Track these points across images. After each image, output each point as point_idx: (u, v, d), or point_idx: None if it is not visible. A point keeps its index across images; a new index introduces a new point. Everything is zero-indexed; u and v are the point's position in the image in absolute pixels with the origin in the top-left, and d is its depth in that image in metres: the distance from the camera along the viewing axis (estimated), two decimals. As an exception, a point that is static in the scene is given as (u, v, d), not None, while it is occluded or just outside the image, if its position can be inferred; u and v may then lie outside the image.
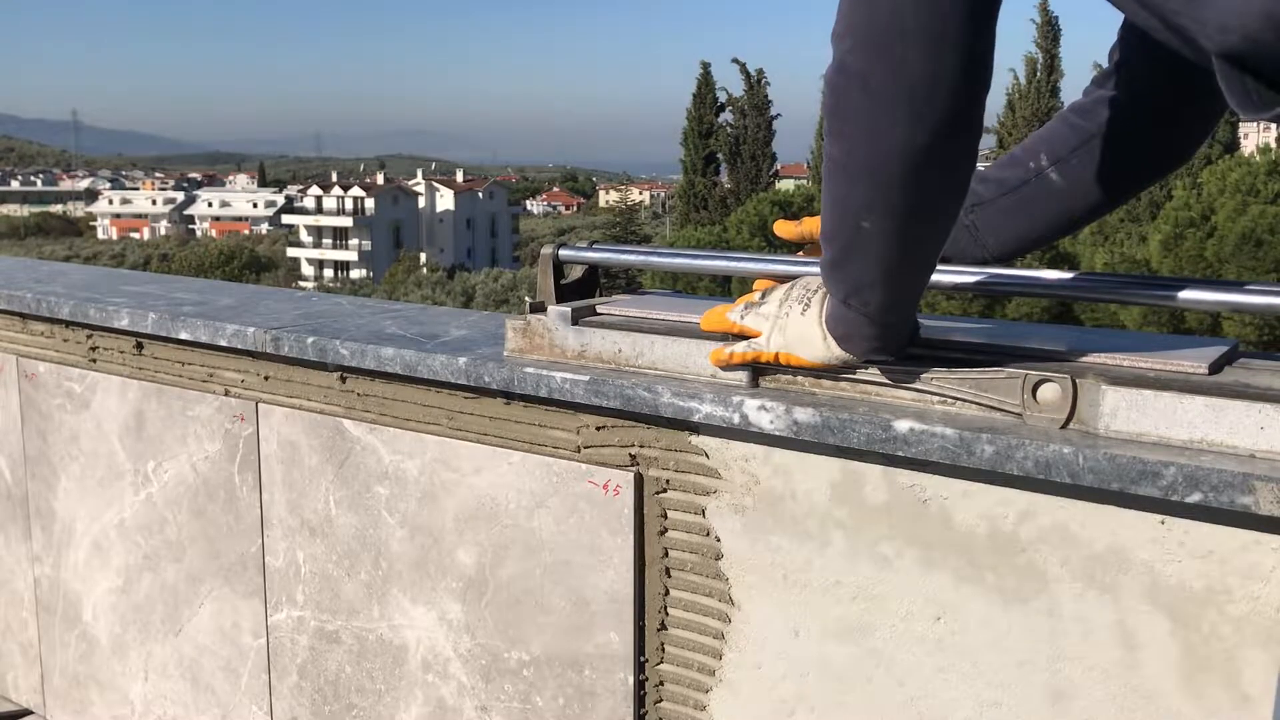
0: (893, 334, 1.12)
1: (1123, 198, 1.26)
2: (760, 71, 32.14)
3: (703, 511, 1.34)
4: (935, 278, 1.23)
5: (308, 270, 66.74)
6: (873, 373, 1.19)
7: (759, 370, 1.27)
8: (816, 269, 1.28)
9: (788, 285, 1.24)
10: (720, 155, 32.19)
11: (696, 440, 1.33)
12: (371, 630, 1.68)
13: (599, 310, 1.47)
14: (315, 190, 74.08)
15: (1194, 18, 0.81)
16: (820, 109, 0.99)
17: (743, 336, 1.26)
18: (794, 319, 1.19)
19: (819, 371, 1.22)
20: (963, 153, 0.96)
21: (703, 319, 1.31)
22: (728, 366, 1.27)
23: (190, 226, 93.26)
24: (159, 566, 1.95)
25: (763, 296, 1.26)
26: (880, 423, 1.14)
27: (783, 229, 1.36)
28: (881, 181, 0.96)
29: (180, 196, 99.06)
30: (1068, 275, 1.17)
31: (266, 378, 1.76)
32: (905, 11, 0.88)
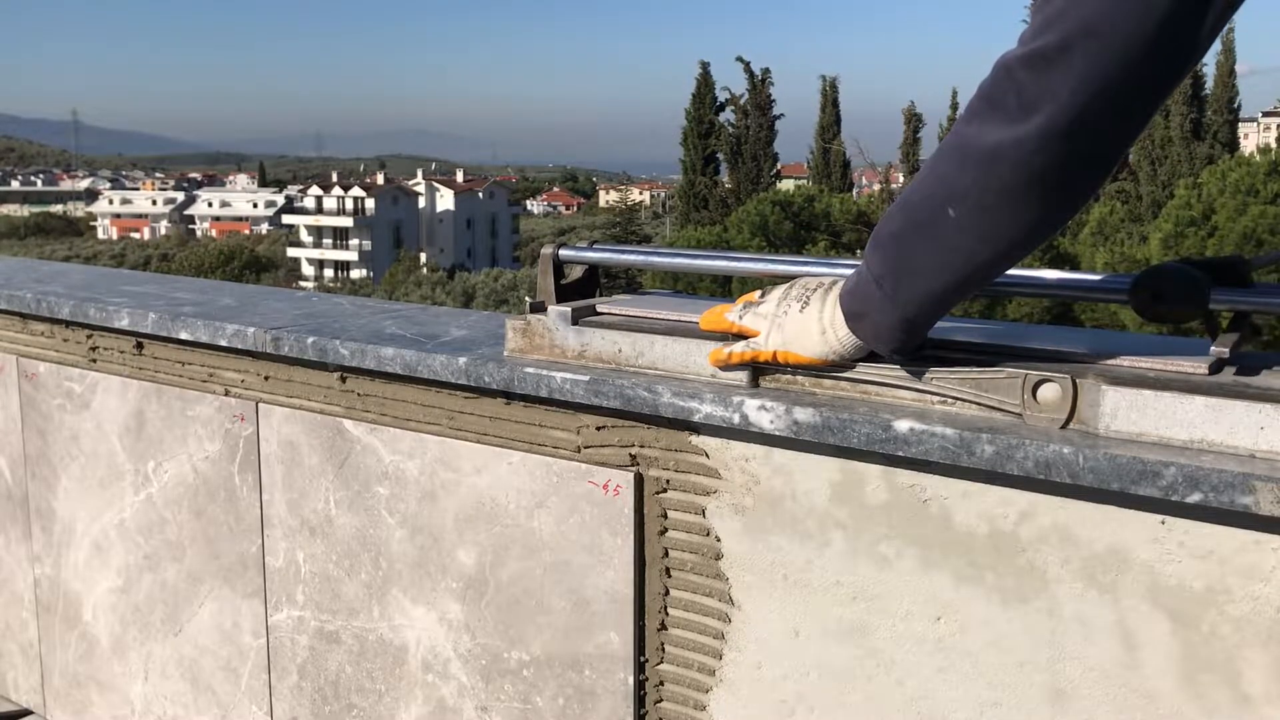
0: (908, 333, 1.10)
1: None
2: (766, 71, 32.15)
3: (703, 511, 1.34)
4: None
5: (308, 270, 66.74)
6: (873, 373, 1.19)
7: (759, 370, 1.27)
8: (818, 269, 1.29)
9: (787, 285, 1.24)
10: (721, 155, 32.19)
11: (696, 440, 1.33)
12: (371, 630, 1.68)
13: (599, 310, 1.47)
14: (315, 190, 74.09)
15: None
16: (979, 85, 0.99)
17: (742, 336, 1.26)
18: (792, 316, 1.19)
19: (819, 371, 1.22)
20: (1090, 186, 0.95)
21: (702, 319, 1.31)
22: (726, 366, 1.27)
23: (190, 226, 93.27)
24: (159, 566, 1.95)
25: (762, 295, 1.26)
26: (880, 423, 1.14)
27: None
28: (992, 183, 0.94)
29: (180, 196, 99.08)
30: (1068, 275, 1.17)
31: (266, 378, 1.76)
32: (1121, 90, 0.87)
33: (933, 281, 1.03)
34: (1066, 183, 0.93)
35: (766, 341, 1.22)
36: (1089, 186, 0.94)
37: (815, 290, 1.19)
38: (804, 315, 1.18)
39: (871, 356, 1.18)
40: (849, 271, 1.19)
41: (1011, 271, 1.25)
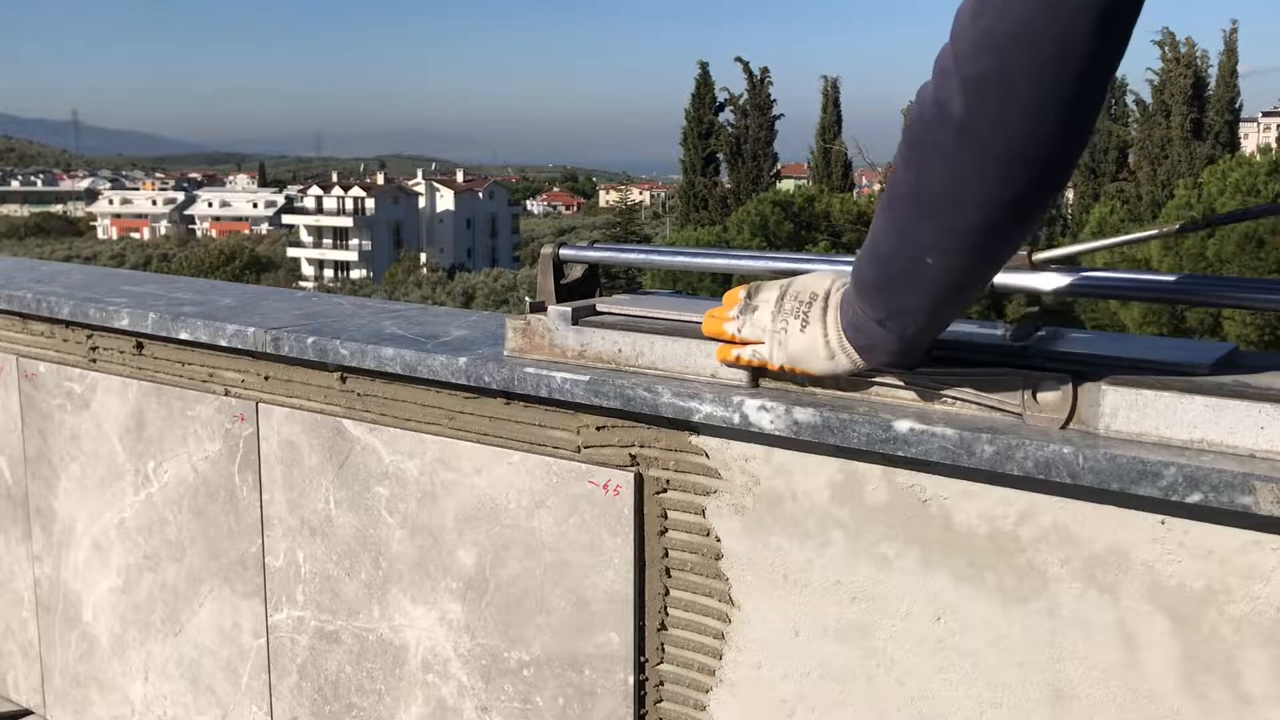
0: (916, 352, 1.12)
1: None
2: (765, 70, 32.15)
3: (703, 511, 1.34)
4: None
5: (308, 270, 66.74)
6: (873, 373, 1.19)
7: (759, 370, 1.27)
8: (818, 267, 1.28)
9: (776, 290, 1.21)
10: (720, 155, 32.19)
11: (696, 440, 1.33)
12: (372, 630, 1.68)
13: (599, 310, 1.47)
14: (315, 190, 74.10)
15: None
16: (902, 128, 0.95)
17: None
18: (793, 335, 1.17)
19: (824, 379, 1.22)
20: (1046, 205, 0.93)
21: (704, 322, 1.30)
22: (734, 366, 1.27)
23: (190, 226, 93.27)
24: (159, 566, 1.95)
25: (749, 297, 1.23)
26: (880, 423, 1.14)
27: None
28: (958, 226, 0.91)
29: (180, 196, 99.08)
30: (1070, 275, 1.17)
31: (266, 378, 1.76)
32: (1016, 71, 0.82)
33: (934, 316, 1.03)
34: (1029, 191, 0.89)
35: (772, 356, 1.20)
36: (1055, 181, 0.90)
37: (810, 306, 1.15)
38: (806, 335, 1.16)
39: None
40: (845, 269, 1.19)
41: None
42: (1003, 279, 1.20)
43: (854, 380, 1.21)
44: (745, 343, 1.24)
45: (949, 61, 0.86)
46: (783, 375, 1.24)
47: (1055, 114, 0.84)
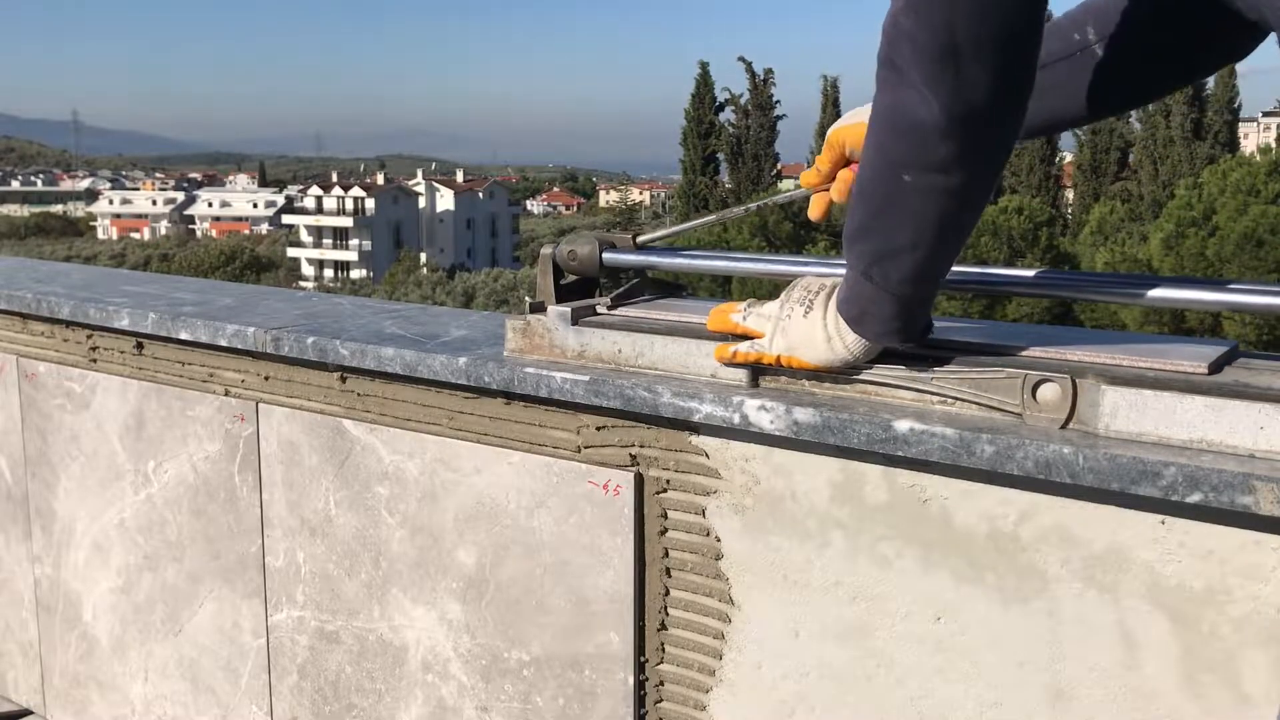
0: (909, 316, 1.10)
1: (1150, 93, 1.22)
2: (769, 71, 32.14)
3: (703, 511, 1.34)
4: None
5: (308, 270, 66.75)
6: (873, 373, 1.19)
7: (759, 370, 1.27)
8: (818, 269, 1.28)
9: (789, 286, 1.24)
10: (721, 155, 32.18)
11: (696, 440, 1.33)
12: (372, 630, 1.68)
13: (599, 310, 1.47)
14: (315, 190, 74.08)
15: None
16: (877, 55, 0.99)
17: (747, 337, 1.26)
18: (796, 321, 1.18)
19: (820, 372, 1.22)
20: (1009, 111, 0.95)
21: (709, 317, 1.30)
22: (730, 364, 1.27)
23: (190, 226, 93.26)
24: (159, 566, 1.95)
25: (758, 299, 1.26)
26: (880, 423, 1.14)
27: (807, 178, 1.28)
28: (926, 135, 0.95)
29: (180, 197, 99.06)
30: (1068, 275, 1.18)
31: (266, 378, 1.76)
32: None
33: (918, 253, 1.03)
34: (992, 118, 0.94)
35: (770, 345, 1.21)
36: (1015, 106, 0.96)
37: (818, 294, 1.18)
38: (808, 321, 1.17)
39: (882, 356, 1.18)
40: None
41: (1012, 271, 1.26)
42: (612, 257, 1.42)
43: (851, 376, 1.21)
44: (746, 335, 1.25)
45: None
46: (779, 370, 1.24)
47: (994, 8, 0.90)
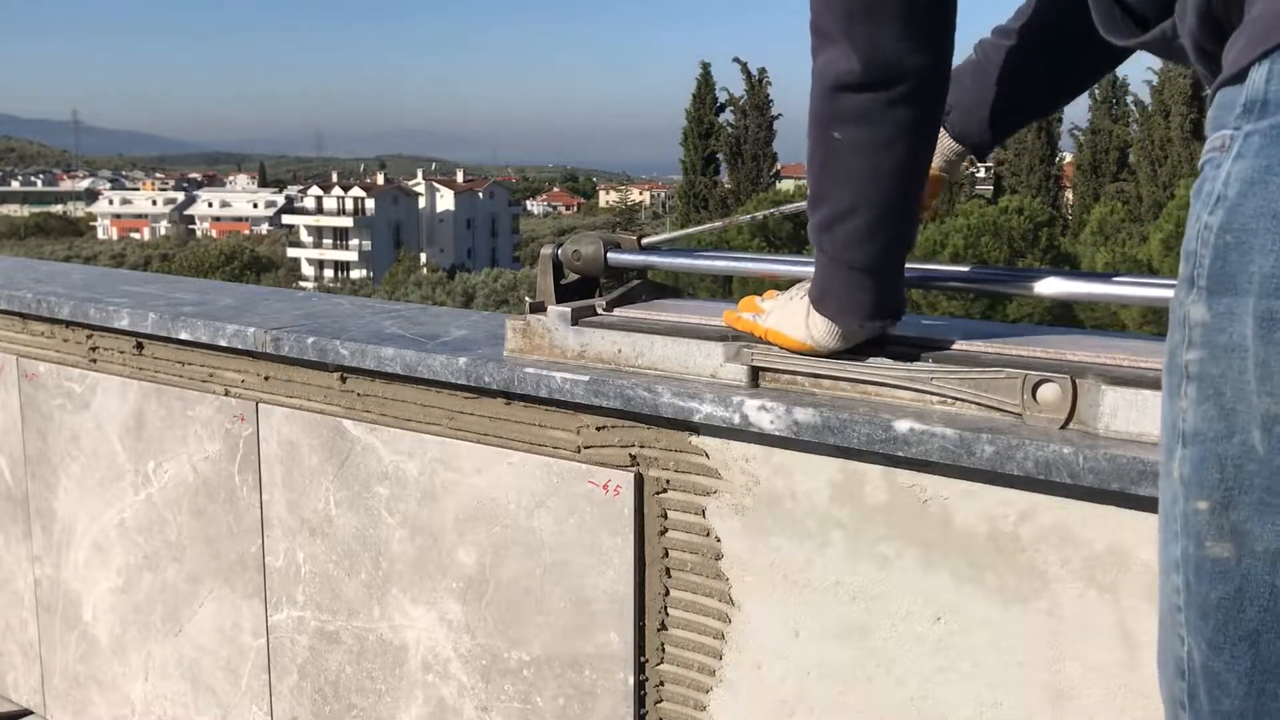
0: (867, 292, 1.13)
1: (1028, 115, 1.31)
2: (763, 71, 32.14)
3: (703, 512, 1.34)
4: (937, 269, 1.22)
5: (308, 270, 66.73)
6: (873, 373, 1.19)
7: (758, 370, 1.27)
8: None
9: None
10: (721, 155, 32.18)
11: (696, 440, 1.33)
12: (372, 630, 1.68)
13: (599, 310, 1.47)
14: (315, 190, 74.06)
15: None
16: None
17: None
18: (786, 304, 1.23)
19: (818, 370, 1.22)
20: (923, 63, 1.02)
21: (741, 301, 1.33)
22: (730, 326, 1.30)
23: (190, 227, 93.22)
24: (159, 566, 1.95)
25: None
26: (880, 423, 1.14)
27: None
28: (849, 89, 1.02)
29: (180, 197, 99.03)
30: (1068, 275, 1.18)
31: (266, 378, 1.76)
32: None
33: (858, 216, 1.07)
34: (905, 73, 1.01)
35: (765, 320, 1.25)
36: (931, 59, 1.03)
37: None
38: (794, 305, 1.22)
39: (882, 355, 1.19)
40: None
41: (1011, 271, 1.26)
42: (616, 257, 1.45)
43: (852, 376, 1.21)
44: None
45: None
46: (768, 348, 1.26)
47: None
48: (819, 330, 1.18)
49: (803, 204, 1.18)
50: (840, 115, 1.04)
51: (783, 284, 1.29)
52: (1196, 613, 0.71)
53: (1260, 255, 0.66)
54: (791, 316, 1.22)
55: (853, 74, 1.01)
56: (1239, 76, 0.70)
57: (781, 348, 1.24)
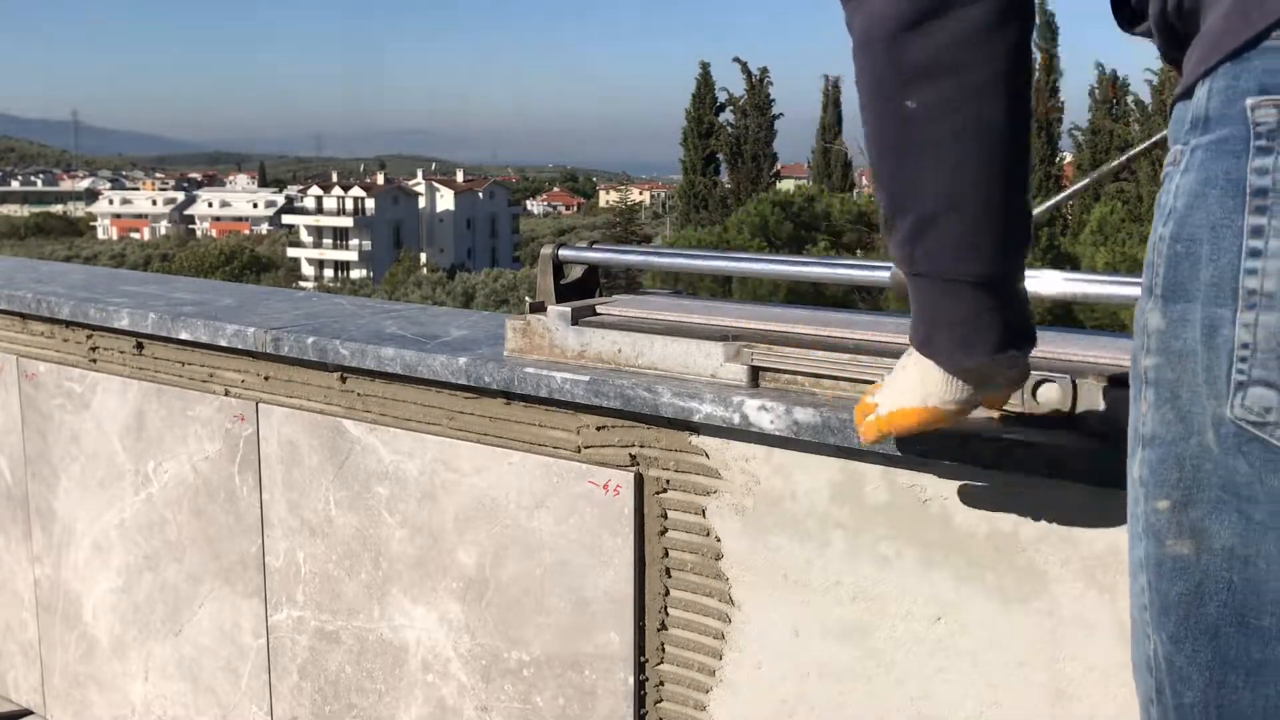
0: (995, 309, 0.85)
1: None
2: (764, 70, 32.12)
3: (703, 511, 1.34)
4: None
5: (308, 270, 66.71)
6: (873, 373, 1.19)
7: (757, 369, 1.27)
8: (819, 270, 1.28)
9: None
10: (721, 155, 32.17)
11: (696, 440, 1.33)
12: (372, 630, 1.68)
13: (599, 310, 1.47)
14: (315, 190, 74.04)
15: None
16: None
17: None
18: (900, 371, 0.96)
19: (819, 370, 1.22)
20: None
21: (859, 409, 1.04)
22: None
23: (190, 226, 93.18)
24: (159, 566, 1.95)
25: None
26: (880, 423, 1.14)
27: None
28: (906, 32, 0.78)
29: (180, 196, 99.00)
30: (1068, 275, 1.17)
31: (267, 378, 1.76)
32: None
33: (965, 207, 0.81)
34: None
35: (880, 408, 0.98)
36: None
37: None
38: (901, 370, 0.97)
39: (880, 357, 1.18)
40: (864, 272, 1.19)
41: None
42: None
43: (851, 376, 1.21)
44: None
45: None
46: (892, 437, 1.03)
47: None
48: (935, 384, 0.91)
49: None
50: (912, 70, 0.78)
51: (782, 284, 1.28)
52: (1159, 610, 0.74)
53: (1205, 265, 0.68)
54: (902, 384, 0.95)
55: (909, 13, 0.77)
56: (1188, 93, 0.72)
57: (913, 431, 0.96)
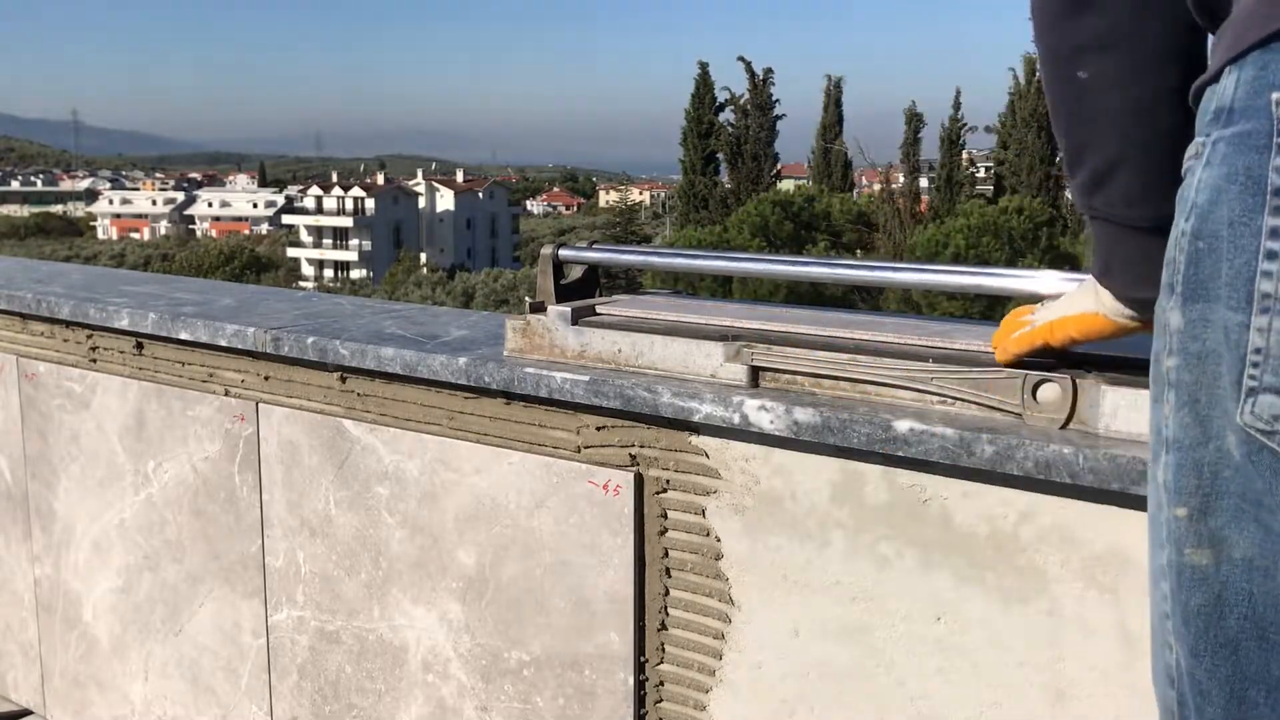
0: (1152, 247, 0.87)
1: None
2: (769, 70, 32.12)
3: (703, 511, 1.34)
4: (934, 277, 1.22)
5: (308, 270, 66.71)
6: (873, 373, 1.19)
7: (758, 370, 1.27)
8: (818, 269, 1.28)
9: None
10: (721, 155, 32.17)
11: (696, 440, 1.33)
12: (371, 630, 1.68)
13: (599, 310, 1.47)
14: (315, 190, 74.03)
15: None
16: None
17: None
18: (1073, 293, 1.07)
19: (819, 370, 1.22)
20: None
21: (1004, 323, 1.16)
22: (1010, 359, 1.13)
23: (190, 227, 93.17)
24: (159, 566, 1.95)
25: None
26: (880, 423, 1.14)
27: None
28: (1074, 9, 0.85)
29: (180, 197, 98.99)
30: (1067, 275, 1.17)
31: (267, 378, 1.76)
32: None
33: (1136, 161, 0.89)
34: None
35: (1041, 316, 1.09)
36: None
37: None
38: (1074, 293, 1.07)
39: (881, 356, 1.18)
40: (865, 272, 1.18)
41: (1009, 271, 1.25)
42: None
43: (851, 376, 1.20)
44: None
45: None
46: (1047, 351, 1.10)
47: None
48: (1109, 299, 1.00)
49: None
50: (1083, 43, 0.86)
51: (783, 284, 1.28)
52: (1180, 620, 0.71)
53: (1226, 262, 0.65)
54: (1074, 297, 1.05)
55: None
56: (1215, 77, 0.69)
57: (1072, 339, 1.05)
